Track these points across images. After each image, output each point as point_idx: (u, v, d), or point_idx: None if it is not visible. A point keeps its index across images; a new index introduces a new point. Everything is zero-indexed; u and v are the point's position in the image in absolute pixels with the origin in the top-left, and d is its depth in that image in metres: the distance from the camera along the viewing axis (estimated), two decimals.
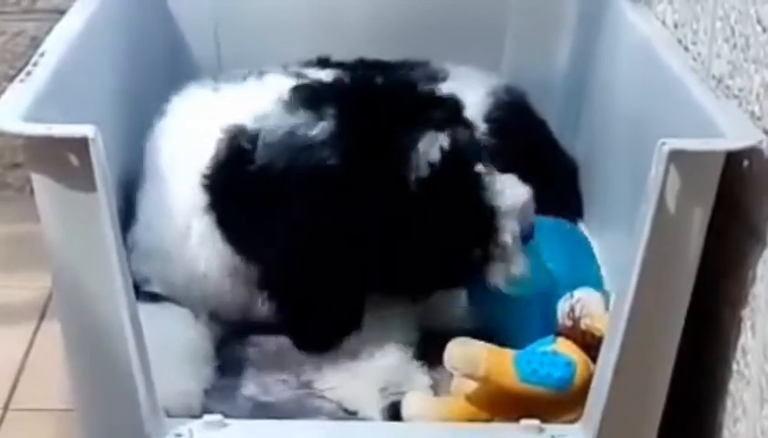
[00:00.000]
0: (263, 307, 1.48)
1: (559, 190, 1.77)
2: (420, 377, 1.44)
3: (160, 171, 1.52)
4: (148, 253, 1.50)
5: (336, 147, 1.38)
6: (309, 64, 1.69)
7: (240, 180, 1.43)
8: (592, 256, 1.63)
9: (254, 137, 1.42)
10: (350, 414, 1.41)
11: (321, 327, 1.43)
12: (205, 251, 1.47)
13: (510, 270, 1.42)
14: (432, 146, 1.40)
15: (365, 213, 1.38)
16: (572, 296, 1.42)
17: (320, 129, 1.40)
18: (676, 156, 1.18)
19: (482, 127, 1.68)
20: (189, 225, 1.47)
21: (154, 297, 1.49)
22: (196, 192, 1.46)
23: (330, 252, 1.39)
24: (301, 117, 1.41)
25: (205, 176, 1.46)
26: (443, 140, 1.40)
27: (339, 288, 1.41)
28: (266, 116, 1.43)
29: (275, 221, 1.40)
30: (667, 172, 1.19)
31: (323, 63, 1.71)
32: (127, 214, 1.51)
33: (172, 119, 1.55)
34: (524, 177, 1.68)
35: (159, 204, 1.50)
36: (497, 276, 1.43)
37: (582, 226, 1.76)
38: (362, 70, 1.70)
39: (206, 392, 1.41)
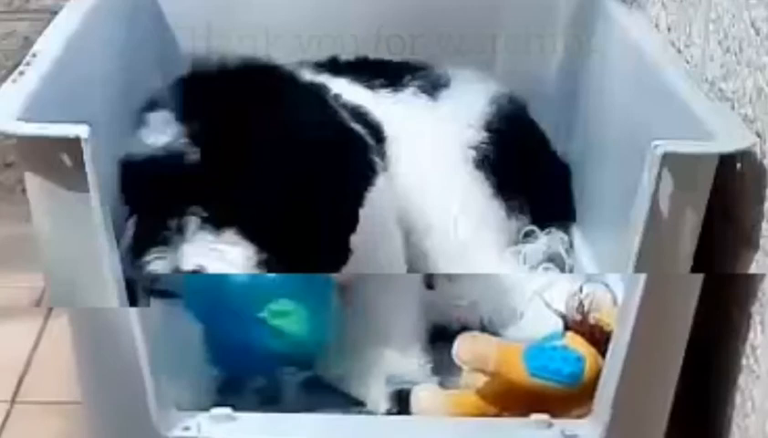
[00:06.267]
0: None
1: (552, 195, 1.78)
2: (426, 369, 1.45)
3: None
4: None
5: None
6: (320, 65, 1.72)
7: None
8: None
9: None
10: (356, 403, 1.43)
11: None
12: None
13: None
14: None
15: None
16: (581, 290, 1.42)
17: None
18: (669, 158, 1.19)
19: (482, 135, 1.71)
20: None
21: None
22: None
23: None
24: None
25: None
26: None
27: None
28: None
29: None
30: (660, 174, 1.19)
31: (333, 63, 1.73)
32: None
33: None
34: (519, 184, 1.71)
35: None
36: None
37: (575, 230, 1.77)
38: (366, 69, 1.72)
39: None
